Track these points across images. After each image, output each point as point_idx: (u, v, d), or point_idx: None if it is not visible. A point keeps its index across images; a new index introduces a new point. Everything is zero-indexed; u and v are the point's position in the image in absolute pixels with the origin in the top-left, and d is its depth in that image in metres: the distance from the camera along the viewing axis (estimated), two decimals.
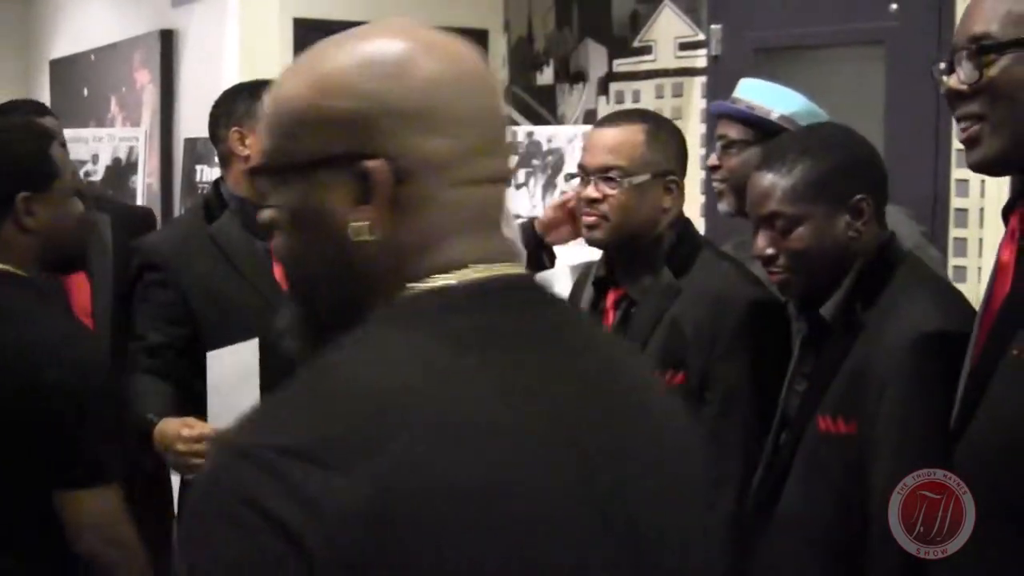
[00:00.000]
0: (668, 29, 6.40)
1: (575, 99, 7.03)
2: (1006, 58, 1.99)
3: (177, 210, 5.83)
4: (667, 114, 6.29)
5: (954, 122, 2.19)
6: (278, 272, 3.41)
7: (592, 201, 2.94)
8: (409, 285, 1.34)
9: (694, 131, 6.15)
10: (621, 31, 6.72)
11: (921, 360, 2.34)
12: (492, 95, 1.45)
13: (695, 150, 5.98)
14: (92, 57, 8.74)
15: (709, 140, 5.07)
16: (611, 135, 2.97)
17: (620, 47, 6.73)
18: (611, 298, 3.02)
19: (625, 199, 2.91)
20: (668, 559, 1.31)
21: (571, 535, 1.22)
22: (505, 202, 1.47)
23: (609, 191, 2.92)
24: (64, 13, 9.88)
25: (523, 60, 7.59)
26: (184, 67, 7.15)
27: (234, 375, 3.15)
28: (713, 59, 5.93)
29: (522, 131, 5.30)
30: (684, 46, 6.28)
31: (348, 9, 7.34)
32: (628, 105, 6.58)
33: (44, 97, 10.23)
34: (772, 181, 2.57)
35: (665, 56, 6.41)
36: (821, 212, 2.54)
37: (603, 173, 2.92)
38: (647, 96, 6.50)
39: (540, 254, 3.43)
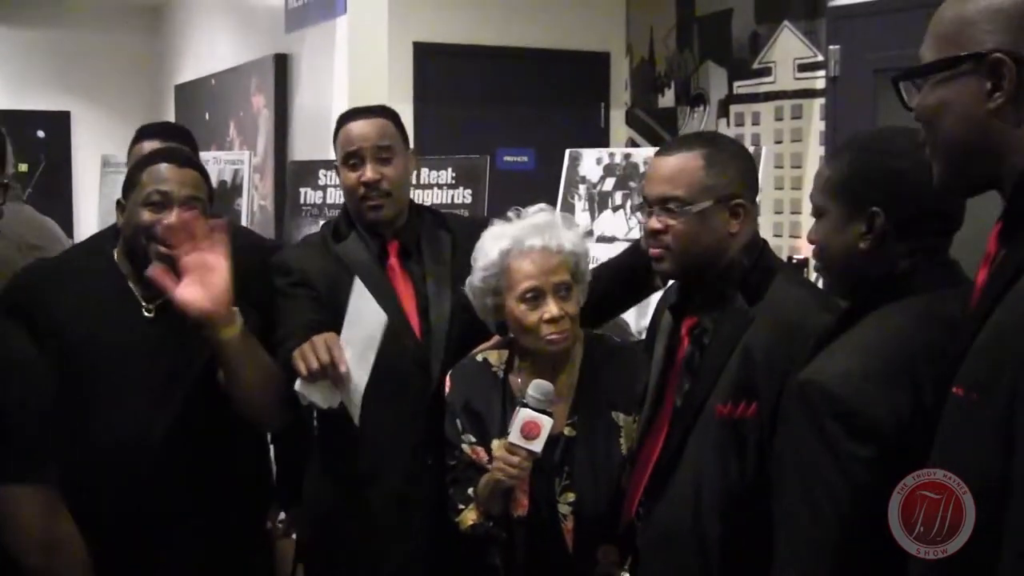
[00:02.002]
0: (787, 50, 6.32)
1: (696, 122, 6.98)
2: (927, 84, 1.91)
3: (287, 231, 5.92)
4: (786, 136, 6.23)
5: None
6: (399, 289, 3.50)
7: (655, 233, 2.87)
8: None
9: (813, 152, 6.06)
10: (741, 53, 6.66)
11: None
12: None
13: (813, 172, 5.85)
14: (213, 82, 8.98)
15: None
16: (669, 164, 2.88)
17: (740, 69, 6.67)
18: (685, 326, 2.94)
19: (686, 228, 2.81)
20: None
21: None
22: None
23: (670, 221, 2.83)
24: (189, 39, 10.16)
25: (645, 83, 7.56)
26: (297, 91, 7.26)
27: (361, 329, 3.21)
28: (832, 80, 5.81)
29: (620, 153, 5.24)
30: (803, 67, 6.19)
31: (467, 33, 7.39)
32: (748, 128, 6.51)
33: (169, 121, 10.55)
34: (821, 169, 2.51)
35: (784, 78, 6.32)
36: (837, 211, 2.46)
37: (663, 204, 2.84)
38: (767, 118, 6.43)
39: (649, 276, 3.36)
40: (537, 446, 2.87)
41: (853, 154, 2.45)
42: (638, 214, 3.09)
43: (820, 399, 2.19)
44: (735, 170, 2.88)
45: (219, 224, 3.16)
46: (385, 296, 3.45)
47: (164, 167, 3.18)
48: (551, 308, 3.02)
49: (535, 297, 3.05)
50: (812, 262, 2.75)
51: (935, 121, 1.91)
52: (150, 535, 3.15)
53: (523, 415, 2.88)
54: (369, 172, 3.46)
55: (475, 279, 3.18)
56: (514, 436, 2.88)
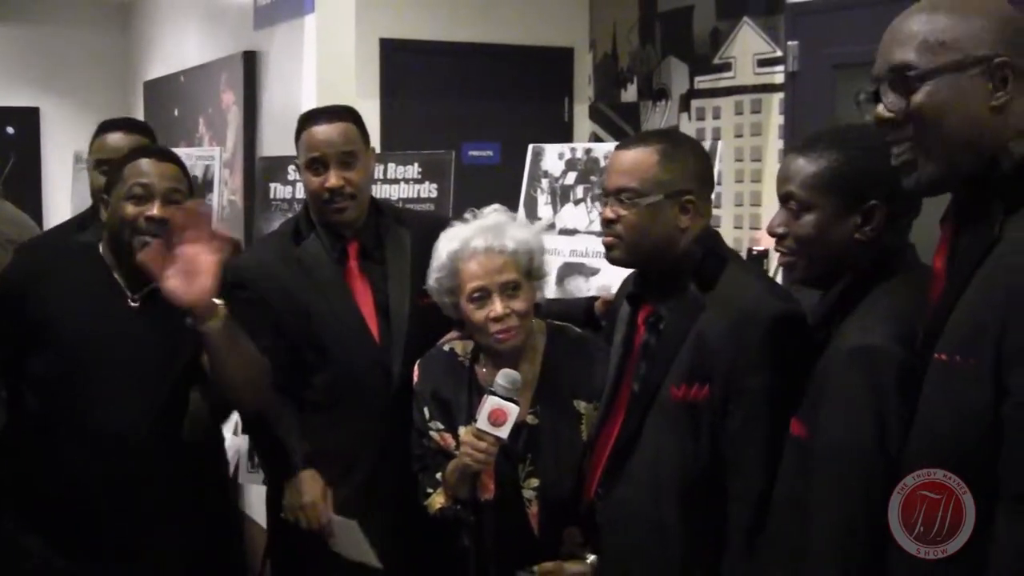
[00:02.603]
0: (747, 46, 6.41)
1: (658, 116, 7.06)
2: (928, 85, 2.05)
3: (257, 225, 5.96)
4: (746, 130, 6.33)
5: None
6: (357, 290, 3.60)
7: (608, 222, 2.96)
8: None
9: (772, 146, 6.14)
10: (702, 48, 6.75)
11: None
12: None
13: (773, 165, 5.97)
14: (182, 79, 8.98)
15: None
16: (626, 157, 2.99)
17: (701, 64, 6.76)
18: (642, 315, 3.04)
19: (637, 219, 2.92)
20: None
21: None
22: None
23: (623, 212, 2.93)
24: (158, 36, 10.16)
25: (608, 77, 7.64)
26: (266, 88, 7.31)
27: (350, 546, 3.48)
28: (791, 75, 5.91)
29: (581, 148, 5.33)
30: (763, 63, 6.28)
31: (434, 29, 7.46)
32: (709, 123, 6.61)
33: (138, 118, 10.51)
34: (799, 164, 2.61)
35: (744, 73, 6.42)
36: (831, 206, 2.58)
37: (617, 194, 2.94)
38: (727, 113, 6.52)
39: (594, 326, 3.52)
40: (504, 432, 2.98)
41: (847, 151, 2.56)
42: (598, 205, 3.19)
43: (882, 359, 2.26)
44: (688, 168, 2.99)
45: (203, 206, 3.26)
46: (342, 299, 3.57)
47: (145, 162, 3.27)
48: (496, 307, 3.13)
49: (481, 297, 3.16)
50: (773, 253, 2.85)
51: (938, 119, 2.05)
52: (135, 523, 3.22)
53: (491, 402, 2.98)
54: (333, 178, 3.53)
55: (431, 280, 3.29)
56: (481, 422, 2.99)
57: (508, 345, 3.17)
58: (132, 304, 3.27)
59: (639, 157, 2.98)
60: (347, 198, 3.54)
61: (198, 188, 6.24)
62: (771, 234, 2.69)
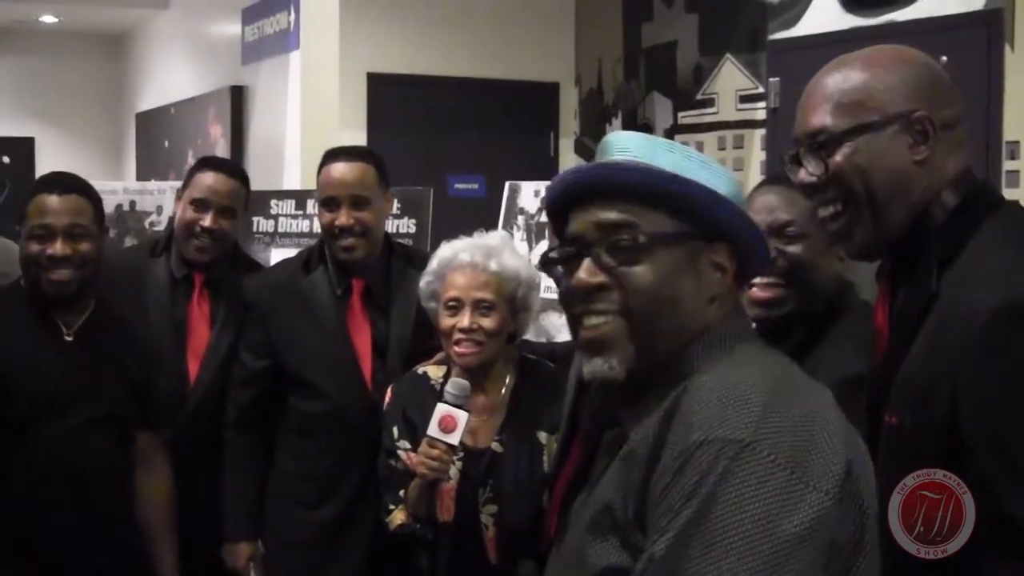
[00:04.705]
0: (730, 82, 6.48)
1: None
2: (846, 147, 2.02)
3: None
4: (729, 165, 6.38)
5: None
6: (354, 329, 3.64)
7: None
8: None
9: (754, 182, 6.12)
10: (685, 84, 6.80)
11: None
12: None
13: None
14: (172, 111, 9.05)
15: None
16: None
17: (684, 99, 6.82)
18: None
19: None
20: None
21: None
22: None
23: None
24: (150, 68, 10.24)
25: (593, 112, 7.70)
26: (252, 122, 7.39)
27: None
28: (772, 111, 5.97)
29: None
30: (745, 99, 6.35)
31: (421, 64, 7.53)
32: None
33: (130, 148, 10.68)
34: (792, 195, 2.63)
35: (727, 108, 6.49)
36: (821, 237, 2.60)
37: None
38: (709, 148, 6.57)
39: None
40: (454, 439, 3.01)
41: None
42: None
43: None
44: None
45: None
46: (338, 336, 3.62)
47: (46, 198, 3.24)
48: (464, 319, 3.18)
49: (455, 307, 3.20)
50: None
51: (865, 177, 2.02)
52: (84, 547, 3.23)
53: (440, 409, 3.02)
54: (343, 217, 3.57)
55: (422, 283, 3.35)
56: (432, 430, 3.02)
57: (467, 360, 3.20)
58: (67, 338, 3.28)
59: None
60: (356, 236, 3.60)
61: None
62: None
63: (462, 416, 3.01)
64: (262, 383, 3.65)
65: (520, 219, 5.33)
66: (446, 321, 3.21)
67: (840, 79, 2.06)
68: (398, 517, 3.22)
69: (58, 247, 3.17)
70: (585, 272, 1.74)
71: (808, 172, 2.05)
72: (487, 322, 3.18)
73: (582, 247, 1.76)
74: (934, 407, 1.87)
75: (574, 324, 1.80)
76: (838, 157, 2.02)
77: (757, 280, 2.60)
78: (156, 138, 9.47)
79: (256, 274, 3.93)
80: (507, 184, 5.48)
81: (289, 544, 3.64)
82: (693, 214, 1.73)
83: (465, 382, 3.07)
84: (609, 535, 1.67)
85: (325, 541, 3.57)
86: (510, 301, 3.25)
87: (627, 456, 1.68)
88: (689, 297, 1.73)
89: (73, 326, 3.28)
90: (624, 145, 1.79)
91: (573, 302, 1.77)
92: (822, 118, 2.04)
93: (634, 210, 1.72)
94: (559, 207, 1.82)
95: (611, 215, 1.73)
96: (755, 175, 6.22)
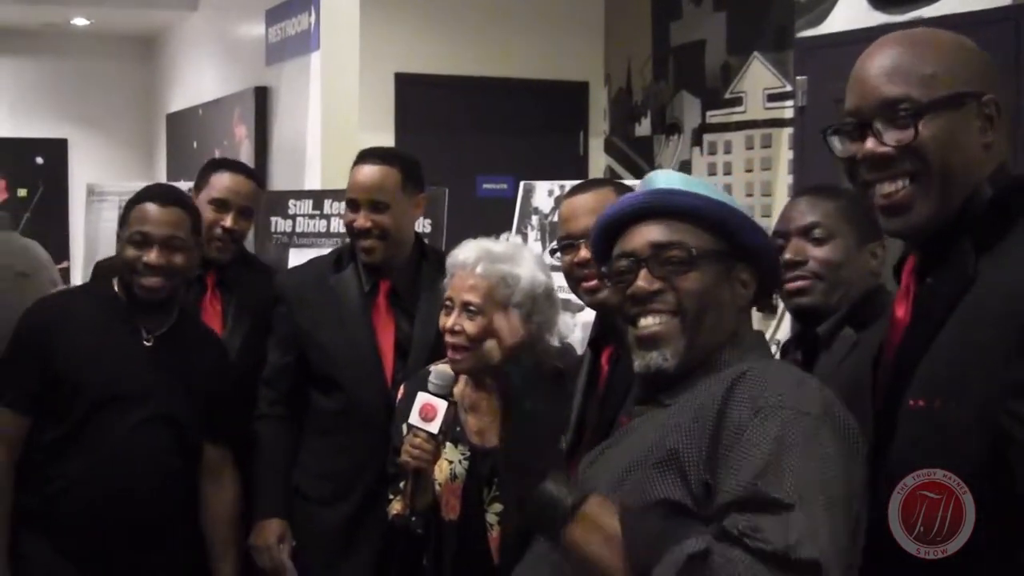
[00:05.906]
0: (757, 81, 6.42)
1: (671, 150, 7.07)
2: (932, 120, 1.94)
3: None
4: (756, 164, 6.32)
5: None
6: (379, 328, 3.69)
7: (589, 262, 2.94)
8: None
9: (782, 180, 6.14)
10: (713, 83, 6.75)
11: None
12: None
13: (783, 200, 5.96)
14: (200, 112, 9.08)
15: (797, 190, 5.10)
16: (589, 199, 2.99)
17: (713, 98, 6.76)
18: (605, 355, 3.04)
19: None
20: None
21: None
22: None
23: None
24: (179, 70, 10.29)
25: (622, 112, 7.66)
26: (275, 123, 7.38)
27: None
28: (800, 110, 5.90)
29: (570, 185, 5.32)
30: (772, 97, 6.29)
31: (449, 64, 7.51)
32: (720, 157, 6.62)
33: (161, 149, 10.73)
34: (817, 200, 2.83)
35: (755, 107, 6.43)
36: (852, 235, 2.78)
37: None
38: (738, 147, 6.53)
39: None
40: (433, 427, 3.02)
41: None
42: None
43: None
44: None
45: None
46: (362, 334, 3.67)
47: (148, 207, 3.43)
48: (448, 320, 3.15)
49: (448, 307, 3.19)
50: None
51: (946, 153, 1.95)
52: (140, 543, 3.40)
53: (420, 398, 3.05)
54: (361, 219, 3.63)
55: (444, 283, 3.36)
56: (413, 418, 3.04)
57: (455, 366, 3.18)
58: (147, 344, 3.45)
59: (602, 198, 2.96)
60: (374, 239, 3.62)
61: None
62: (788, 264, 2.79)
63: (441, 405, 3.04)
64: (289, 380, 3.71)
65: (534, 219, 5.31)
66: (441, 320, 3.21)
67: (911, 54, 1.98)
68: (395, 507, 3.23)
69: (153, 256, 3.38)
70: (643, 280, 2.11)
71: (883, 142, 1.96)
72: (469, 325, 3.14)
73: (637, 260, 2.13)
74: (971, 388, 1.83)
75: (627, 325, 2.15)
76: (924, 130, 1.93)
77: (789, 275, 2.81)
78: (185, 139, 9.51)
79: (288, 270, 4.09)
80: (521, 184, 5.47)
81: (303, 541, 3.67)
82: (731, 236, 2.11)
83: (449, 372, 3.10)
84: (670, 474, 1.91)
85: (338, 539, 3.59)
86: (502, 307, 3.18)
87: (697, 411, 1.95)
88: (726, 305, 2.12)
89: (154, 333, 3.46)
90: (669, 179, 2.17)
91: (629, 305, 2.14)
92: (904, 88, 1.95)
93: (683, 229, 2.11)
94: (612, 226, 2.20)
95: (665, 233, 2.11)
96: (783, 174, 6.16)
